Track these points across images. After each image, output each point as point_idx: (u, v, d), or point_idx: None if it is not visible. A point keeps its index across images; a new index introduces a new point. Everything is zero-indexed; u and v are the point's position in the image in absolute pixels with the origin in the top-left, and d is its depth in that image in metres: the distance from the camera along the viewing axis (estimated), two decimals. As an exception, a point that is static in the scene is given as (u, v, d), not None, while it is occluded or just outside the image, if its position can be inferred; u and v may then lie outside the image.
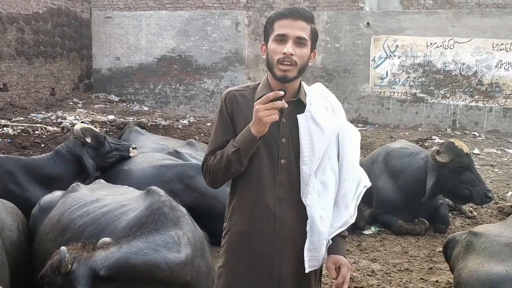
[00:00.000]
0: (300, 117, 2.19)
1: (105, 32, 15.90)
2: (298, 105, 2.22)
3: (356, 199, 2.28)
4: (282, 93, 1.99)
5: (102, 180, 4.43)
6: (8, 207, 3.90)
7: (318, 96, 2.28)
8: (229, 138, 2.21)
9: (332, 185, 2.23)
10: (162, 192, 3.27)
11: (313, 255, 2.20)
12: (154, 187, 3.42)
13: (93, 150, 5.10)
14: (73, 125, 5.80)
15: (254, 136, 2.07)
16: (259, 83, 2.30)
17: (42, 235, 3.72)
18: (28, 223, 3.97)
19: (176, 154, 5.80)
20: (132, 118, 11.99)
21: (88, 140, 5.05)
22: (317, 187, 2.19)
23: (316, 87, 2.35)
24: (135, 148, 5.45)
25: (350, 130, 2.31)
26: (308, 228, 2.19)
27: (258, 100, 2.03)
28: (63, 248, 2.87)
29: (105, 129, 11.16)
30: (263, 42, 2.24)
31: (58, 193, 4.08)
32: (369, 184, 2.35)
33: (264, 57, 2.23)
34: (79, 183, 4.15)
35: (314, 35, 2.20)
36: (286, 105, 2.03)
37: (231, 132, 2.22)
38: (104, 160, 5.19)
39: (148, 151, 6.04)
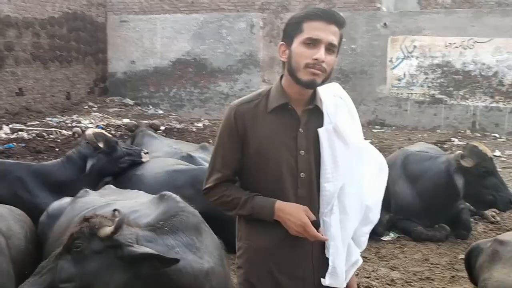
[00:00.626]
0: (321, 131, 2.02)
1: (120, 36, 15.92)
2: (315, 113, 2.05)
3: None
4: (326, 238, 2.02)
5: (112, 186, 4.35)
6: (16, 214, 3.83)
7: (339, 102, 2.11)
8: (237, 156, 2.07)
9: (354, 210, 2.08)
10: (178, 197, 3.14)
11: (333, 280, 2.05)
12: (168, 193, 3.30)
13: (105, 155, 5.00)
14: (85, 130, 5.72)
15: (272, 219, 1.99)
16: (270, 89, 2.11)
17: (51, 242, 3.64)
18: (36, 230, 3.91)
19: (189, 158, 5.69)
20: (146, 122, 11.98)
21: (101, 145, 4.96)
22: (340, 207, 2.05)
23: (333, 88, 2.18)
24: (147, 153, 5.35)
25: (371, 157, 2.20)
26: (331, 251, 2.03)
27: (307, 222, 1.96)
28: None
29: (119, 132, 11.12)
30: (283, 43, 2.04)
31: (66, 200, 4.01)
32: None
33: (283, 58, 2.03)
34: (87, 189, 4.06)
35: (341, 41, 2.03)
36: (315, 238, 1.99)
37: (239, 151, 2.06)
38: (116, 165, 5.09)
39: (161, 155, 5.95)
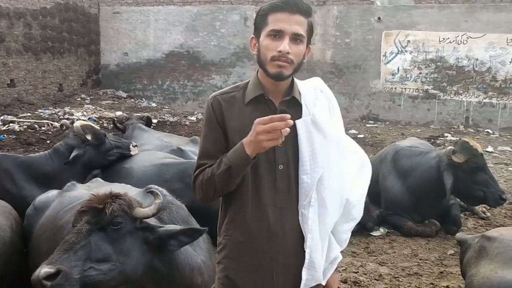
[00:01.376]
0: (299, 122, 1.97)
1: (113, 28, 15.80)
2: (293, 104, 2.02)
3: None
4: (291, 122, 1.77)
5: (99, 179, 4.30)
6: (1, 206, 3.78)
7: (319, 96, 2.08)
8: (220, 147, 2.01)
9: (333, 204, 2.03)
10: (164, 191, 3.11)
11: (311, 274, 2.02)
12: (154, 186, 3.27)
13: (93, 148, 4.94)
14: (72, 122, 5.67)
15: (248, 155, 1.84)
16: (248, 82, 2.09)
17: (37, 235, 3.61)
18: (23, 222, 3.87)
19: (180, 151, 5.65)
20: (138, 114, 11.89)
21: (88, 137, 4.90)
22: (318, 200, 2.00)
23: (313, 82, 2.15)
24: (136, 146, 5.30)
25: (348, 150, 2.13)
26: (308, 244, 2.00)
27: (259, 119, 1.78)
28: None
29: (111, 125, 11.04)
30: (253, 36, 2.03)
31: (53, 193, 3.96)
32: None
33: (255, 52, 2.01)
34: (75, 182, 4.02)
35: (310, 30, 1.99)
36: (289, 131, 1.79)
37: (221, 141, 2.02)
38: (105, 158, 5.03)
39: (151, 148, 5.91)
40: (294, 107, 2.01)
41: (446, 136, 11.29)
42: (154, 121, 11.88)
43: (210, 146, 2.04)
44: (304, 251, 2.02)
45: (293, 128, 1.96)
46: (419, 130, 12.32)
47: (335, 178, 2.03)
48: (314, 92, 2.08)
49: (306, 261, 2.01)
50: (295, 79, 2.10)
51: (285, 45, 1.88)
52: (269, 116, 1.78)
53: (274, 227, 2.00)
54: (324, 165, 1.99)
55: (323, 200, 2.01)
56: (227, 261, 2.08)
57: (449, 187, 4.94)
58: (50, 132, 10.05)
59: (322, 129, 1.98)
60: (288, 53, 1.89)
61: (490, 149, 9.92)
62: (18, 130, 10.16)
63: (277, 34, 1.91)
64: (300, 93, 2.06)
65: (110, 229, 2.37)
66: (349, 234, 2.17)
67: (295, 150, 2.00)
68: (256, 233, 2.02)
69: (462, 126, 12.63)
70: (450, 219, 5.42)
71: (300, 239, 2.03)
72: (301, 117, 2.01)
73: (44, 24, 13.80)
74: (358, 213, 2.13)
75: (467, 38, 12.40)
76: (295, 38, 1.91)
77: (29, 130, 10.20)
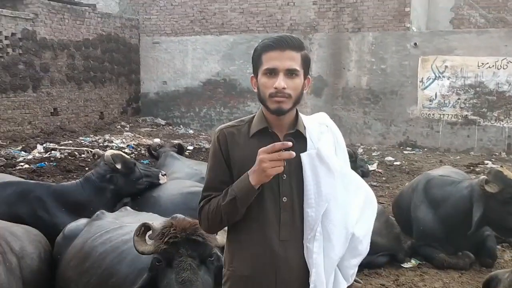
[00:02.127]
0: (304, 155, 2.01)
1: (152, 57, 16.27)
2: (297, 138, 2.04)
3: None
4: (290, 144, 1.85)
5: (128, 208, 4.39)
6: (32, 234, 3.91)
7: (324, 130, 2.10)
8: (224, 179, 2.05)
9: (338, 238, 2.03)
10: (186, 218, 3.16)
11: None
12: (180, 215, 3.32)
13: (123, 177, 5.06)
14: (104, 151, 5.83)
15: (252, 186, 1.91)
16: (253, 116, 2.14)
17: (65, 263, 3.71)
18: (52, 250, 3.97)
19: (209, 180, 5.71)
20: (177, 141, 12.08)
21: (118, 166, 5.03)
22: (323, 234, 2.01)
23: (319, 117, 2.19)
24: (165, 174, 5.39)
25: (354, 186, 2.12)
26: (312, 278, 1.99)
27: (263, 149, 1.87)
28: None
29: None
30: (253, 75, 2.10)
31: (82, 221, 4.07)
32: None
33: (255, 90, 2.08)
34: (104, 211, 4.12)
35: (306, 62, 2.03)
36: (294, 155, 1.86)
37: (225, 173, 2.07)
38: (134, 187, 5.14)
39: (182, 176, 6.00)
40: (298, 140, 2.04)
41: (487, 164, 10.92)
42: (190, 147, 12.07)
43: (215, 179, 2.08)
44: (309, 285, 2.00)
45: (298, 161, 2.01)
46: (458, 157, 12.00)
47: (340, 212, 2.03)
48: (319, 127, 2.11)
49: None
50: (300, 114, 2.13)
51: (279, 81, 1.94)
52: (272, 144, 1.86)
53: (278, 260, 2.01)
54: (329, 199, 2.00)
55: (328, 234, 2.01)
56: None
57: (476, 220, 4.77)
58: (89, 160, 10.33)
59: (327, 163, 2.01)
60: (284, 88, 1.94)
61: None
62: (59, 157, 10.49)
63: (271, 72, 1.97)
64: (304, 127, 2.09)
65: (209, 261, 2.47)
66: (356, 269, 2.15)
67: (299, 183, 2.02)
68: (260, 266, 2.02)
69: (504, 153, 12.22)
70: (485, 251, 5.22)
71: (305, 273, 2.02)
72: (305, 151, 2.03)
73: (87, 54, 14.35)
74: (364, 248, 2.11)
75: (507, 62, 12.09)
76: (289, 73, 1.97)
77: (69, 157, 10.50)
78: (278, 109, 1.97)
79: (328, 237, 2.01)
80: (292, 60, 1.98)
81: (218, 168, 2.08)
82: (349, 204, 2.06)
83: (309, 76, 2.08)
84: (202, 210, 2.07)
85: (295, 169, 2.02)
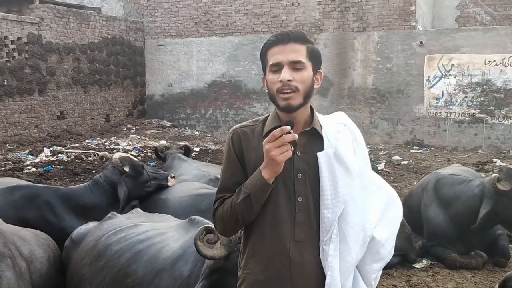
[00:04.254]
0: (321, 155, 1.95)
1: (157, 59, 16.28)
2: (313, 136, 2.00)
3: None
4: (289, 128, 1.79)
5: (139, 209, 4.35)
6: (40, 238, 3.88)
7: (341, 129, 2.04)
8: (238, 179, 2.00)
9: (355, 241, 1.97)
10: (209, 222, 3.11)
11: None
12: (197, 217, 3.29)
13: (131, 179, 5.03)
14: (112, 154, 5.81)
15: (265, 180, 1.86)
16: (268, 116, 2.10)
17: (76, 261, 3.64)
18: (61, 254, 3.94)
19: (217, 181, 5.63)
20: (183, 143, 12.06)
21: (126, 169, 5.00)
22: (340, 236, 1.95)
23: (337, 116, 2.13)
24: (174, 177, 5.36)
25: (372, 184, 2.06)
26: (328, 281, 1.94)
27: (265, 140, 1.82)
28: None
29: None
30: (263, 77, 2.06)
31: (92, 224, 4.03)
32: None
33: (267, 90, 2.04)
34: (115, 212, 4.08)
35: (313, 54, 1.98)
36: (297, 136, 1.82)
37: (239, 174, 2.02)
38: (142, 189, 5.11)
39: (189, 178, 5.96)
40: (314, 139, 2.00)
41: (495, 162, 10.83)
42: (196, 149, 12.05)
43: (229, 180, 2.04)
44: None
45: (314, 161, 1.96)
46: (466, 155, 11.91)
47: (358, 213, 1.97)
48: (336, 126, 2.05)
49: None
50: (317, 113, 2.08)
51: (284, 74, 1.90)
52: (271, 133, 1.81)
53: (293, 261, 1.96)
54: (346, 200, 1.94)
55: (344, 236, 1.95)
56: None
57: (481, 216, 4.72)
58: (96, 162, 10.33)
59: (345, 162, 1.95)
60: (289, 80, 1.89)
61: (542, 175, 9.43)
62: (66, 160, 10.50)
63: (277, 67, 1.94)
64: (321, 125, 2.04)
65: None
66: (379, 274, 2.08)
67: (315, 183, 1.96)
68: (275, 268, 1.97)
69: (513, 151, 12.14)
70: (498, 251, 5.15)
71: (322, 275, 1.97)
72: (322, 149, 1.98)
73: (92, 58, 14.38)
74: (387, 252, 2.05)
75: (515, 60, 12.01)
76: (294, 65, 1.92)
77: (76, 160, 10.52)
78: (287, 106, 1.93)
79: (345, 240, 1.95)
80: (296, 52, 1.93)
81: (232, 169, 2.04)
82: (368, 206, 2.00)
83: (320, 70, 2.02)
84: (216, 212, 2.03)
85: (311, 168, 1.97)
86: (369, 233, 1.98)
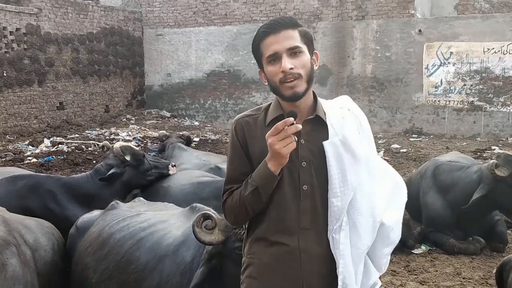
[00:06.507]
0: (327, 144, 1.94)
1: (156, 50, 16.26)
2: (317, 124, 1.99)
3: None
4: (292, 119, 1.78)
5: (142, 198, 4.39)
6: (44, 227, 3.92)
7: (345, 114, 2.03)
8: (245, 170, 2.01)
9: (365, 227, 1.98)
10: (210, 209, 3.14)
11: None
12: (198, 205, 3.31)
13: (132, 168, 5.06)
14: (113, 143, 5.84)
15: (272, 172, 1.86)
16: (269, 104, 2.09)
17: (81, 250, 3.69)
18: (65, 242, 3.99)
19: (217, 170, 5.71)
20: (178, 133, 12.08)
21: (128, 158, 5.03)
22: (349, 223, 1.96)
23: (341, 100, 2.13)
24: (175, 165, 5.40)
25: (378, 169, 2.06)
26: (340, 269, 1.94)
27: (268, 133, 1.82)
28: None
29: (155, 144, 11.27)
30: (260, 70, 2.04)
31: (96, 213, 4.07)
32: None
33: (266, 83, 2.03)
34: (118, 201, 4.12)
35: (306, 37, 1.97)
36: (301, 127, 1.81)
37: (246, 164, 2.02)
38: (144, 178, 5.15)
39: (190, 167, 6.00)
40: (318, 126, 1.99)
41: (494, 149, 10.87)
42: (196, 139, 12.07)
43: (236, 171, 2.04)
44: (336, 276, 1.96)
45: (319, 148, 1.96)
46: (465, 143, 11.96)
47: (366, 200, 1.98)
48: (340, 111, 2.04)
49: (339, 287, 1.95)
50: (320, 98, 2.08)
51: (285, 63, 1.88)
52: (274, 126, 1.81)
53: (297, 248, 1.96)
54: (355, 187, 1.94)
55: (354, 224, 1.96)
56: (249, 280, 2.06)
57: (473, 199, 4.81)
58: (96, 153, 10.37)
59: (353, 150, 1.95)
60: (291, 69, 1.88)
61: (540, 161, 9.49)
62: (66, 151, 10.54)
63: (274, 58, 1.92)
64: (325, 112, 2.02)
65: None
66: (388, 258, 2.10)
67: (321, 171, 1.96)
68: (279, 254, 1.98)
69: (511, 138, 12.18)
70: (496, 236, 5.22)
71: (331, 263, 1.97)
72: (327, 137, 1.97)
73: (91, 48, 14.36)
74: (397, 236, 2.07)
75: (513, 47, 12.02)
76: (292, 51, 1.91)
77: (76, 150, 10.56)
78: (293, 94, 1.91)
79: (355, 227, 1.96)
80: (290, 38, 1.91)
81: (238, 159, 2.04)
82: (375, 192, 2.01)
83: (315, 51, 2.01)
84: (226, 204, 2.04)
85: (316, 156, 1.96)
86: (378, 219, 1.99)
